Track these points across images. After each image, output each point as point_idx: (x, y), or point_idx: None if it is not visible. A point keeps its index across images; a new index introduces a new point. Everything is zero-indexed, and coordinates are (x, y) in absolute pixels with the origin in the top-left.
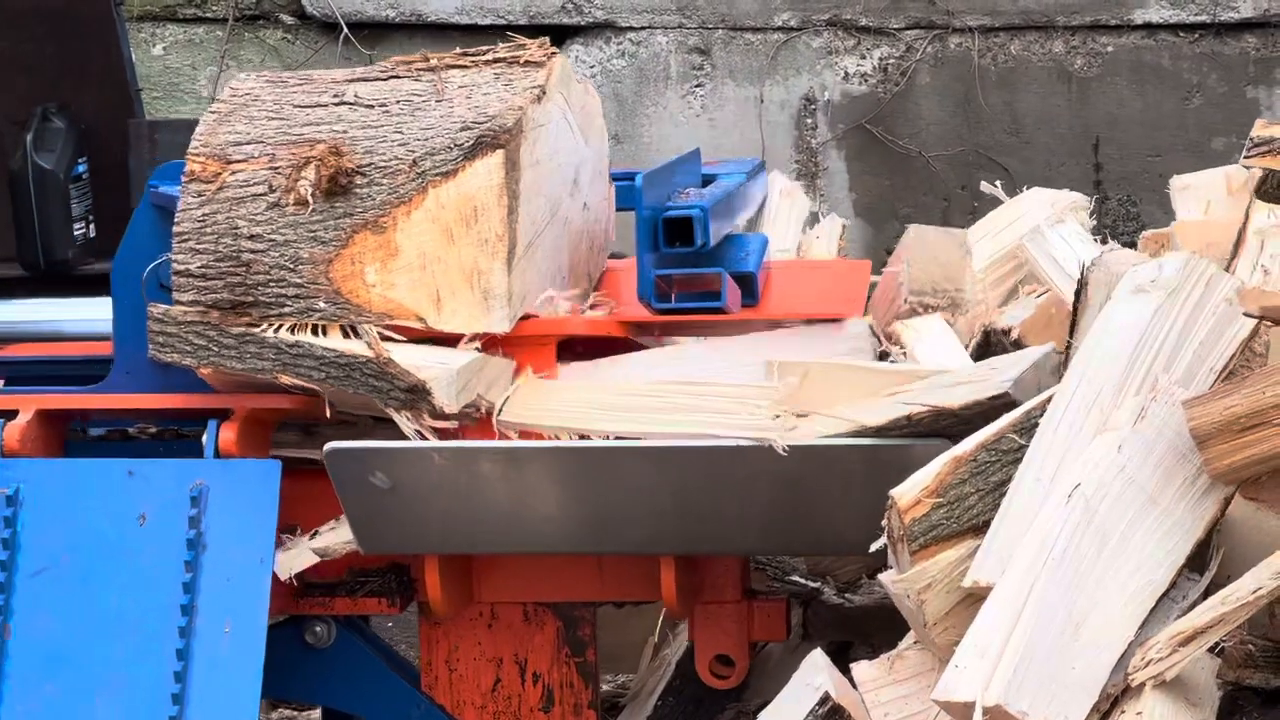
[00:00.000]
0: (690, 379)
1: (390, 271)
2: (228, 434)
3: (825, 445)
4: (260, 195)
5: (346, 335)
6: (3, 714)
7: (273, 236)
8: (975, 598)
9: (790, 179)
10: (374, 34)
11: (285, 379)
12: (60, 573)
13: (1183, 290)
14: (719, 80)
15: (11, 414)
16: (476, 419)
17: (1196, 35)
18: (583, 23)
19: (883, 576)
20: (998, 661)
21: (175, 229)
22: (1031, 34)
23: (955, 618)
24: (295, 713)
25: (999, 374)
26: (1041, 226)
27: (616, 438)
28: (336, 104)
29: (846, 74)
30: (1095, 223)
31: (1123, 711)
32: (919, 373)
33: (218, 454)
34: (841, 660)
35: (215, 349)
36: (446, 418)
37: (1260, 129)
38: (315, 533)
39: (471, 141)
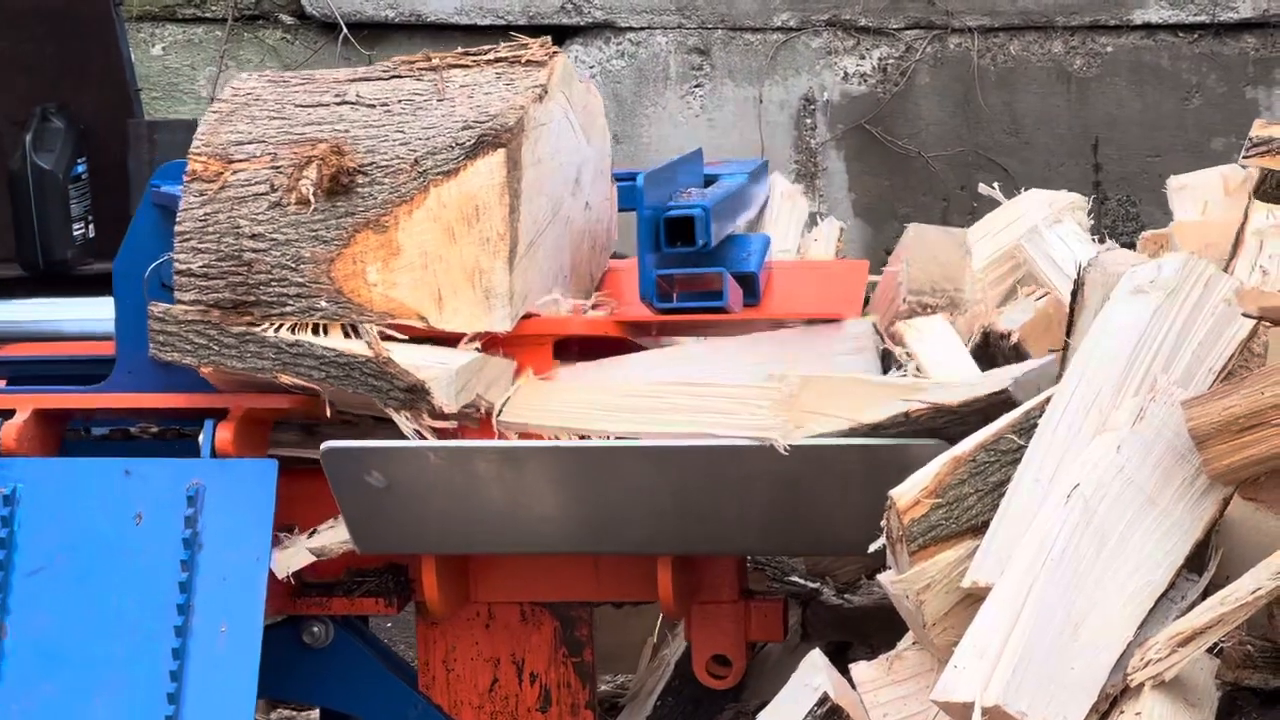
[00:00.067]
0: (691, 379)
1: (392, 271)
2: (224, 434)
3: (825, 446)
4: (262, 194)
5: (347, 335)
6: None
7: (274, 236)
8: (974, 598)
9: (790, 180)
10: (373, 34)
11: (285, 378)
12: (57, 572)
13: (1181, 291)
14: (718, 80)
15: (9, 413)
16: (477, 419)
17: (1196, 35)
18: (582, 23)
19: (881, 577)
20: (996, 662)
21: (177, 228)
22: (1031, 34)
23: (954, 618)
24: (294, 713)
25: (1001, 373)
26: (1039, 227)
27: (618, 438)
28: (338, 103)
29: (846, 74)
30: (1094, 223)
31: (1121, 712)
32: (920, 386)
33: (214, 453)
34: (840, 661)
35: (216, 348)
36: (446, 418)
37: (1259, 129)
38: (313, 532)
39: (473, 140)
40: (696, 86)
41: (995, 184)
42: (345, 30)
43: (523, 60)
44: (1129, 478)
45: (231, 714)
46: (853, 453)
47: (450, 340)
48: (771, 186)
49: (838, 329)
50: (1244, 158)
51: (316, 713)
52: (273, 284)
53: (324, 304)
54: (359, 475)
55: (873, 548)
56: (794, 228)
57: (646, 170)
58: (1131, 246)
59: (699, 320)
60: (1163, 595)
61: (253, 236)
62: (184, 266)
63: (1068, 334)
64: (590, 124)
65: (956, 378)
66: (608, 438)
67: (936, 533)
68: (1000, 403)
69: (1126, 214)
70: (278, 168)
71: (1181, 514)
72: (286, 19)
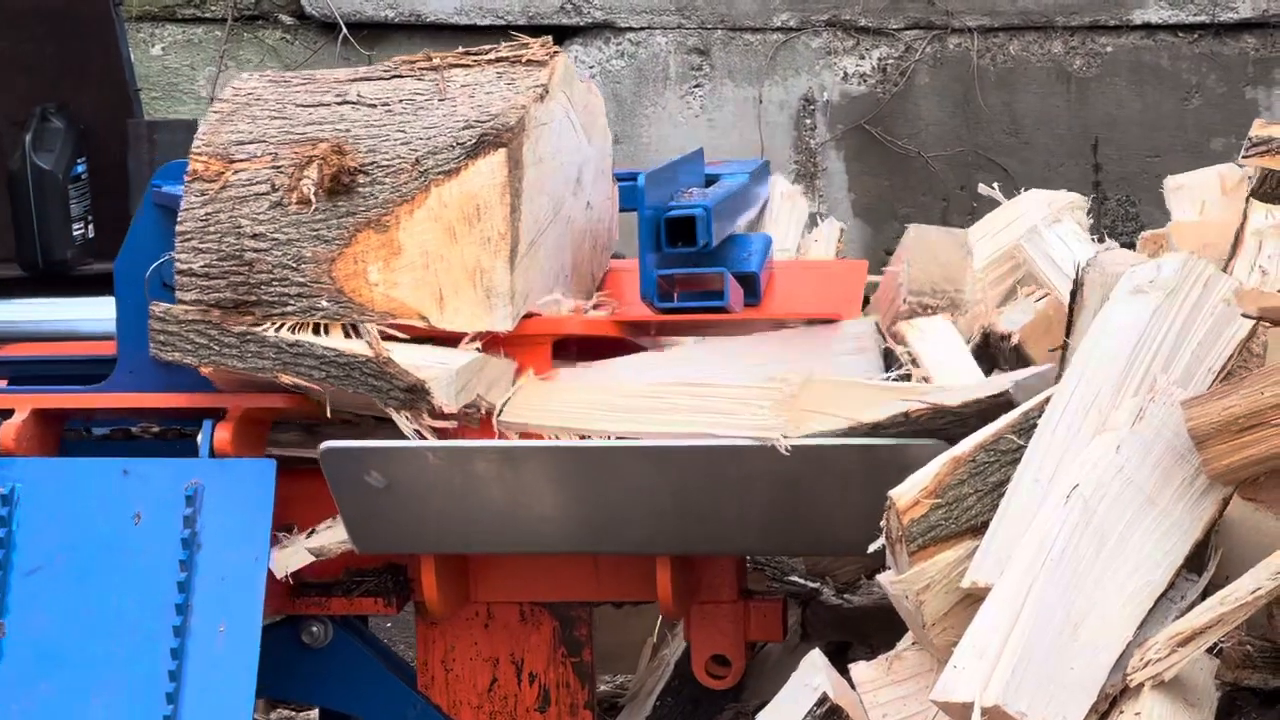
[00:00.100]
0: (692, 380)
1: (393, 270)
2: (223, 433)
3: (825, 446)
4: (263, 194)
5: (348, 334)
6: None
7: (275, 235)
8: (974, 598)
9: (790, 180)
10: (373, 34)
11: (285, 378)
12: (55, 572)
13: (1181, 291)
14: (718, 81)
15: (8, 413)
16: (477, 419)
17: (1195, 36)
18: (582, 23)
19: (881, 577)
20: (996, 662)
21: (178, 228)
22: (1030, 34)
23: (954, 618)
24: (293, 713)
25: (1002, 378)
26: (1039, 227)
27: (618, 438)
28: (339, 103)
29: (845, 74)
30: (1094, 223)
31: (1121, 712)
32: (920, 386)
33: (213, 453)
34: (840, 661)
35: (216, 348)
36: (446, 418)
37: (1258, 129)
38: (311, 532)
39: (474, 140)
40: (696, 87)
41: (995, 184)
42: (345, 30)
43: (524, 60)
44: (1128, 478)
45: (230, 714)
46: (852, 453)
47: (451, 340)
48: (771, 187)
49: (839, 329)
50: (1243, 157)
51: (316, 713)
52: (274, 284)
53: (325, 304)
54: (358, 475)
55: (872, 548)
56: (794, 228)
57: (647, 170)
58: (1131, 246)
59: (700, 320)
60: (1162, 595)
61: (254, 236)
62: (185, 266)
63: (1067, 334)
64: (591, 123)
65: (960, 379)
66: (608, 438)
67: (936, 533)
68: (1000, 404)
69: (1126, 214)
70: (279, 167)
71: (1181, 514)
72: (286, 19)
